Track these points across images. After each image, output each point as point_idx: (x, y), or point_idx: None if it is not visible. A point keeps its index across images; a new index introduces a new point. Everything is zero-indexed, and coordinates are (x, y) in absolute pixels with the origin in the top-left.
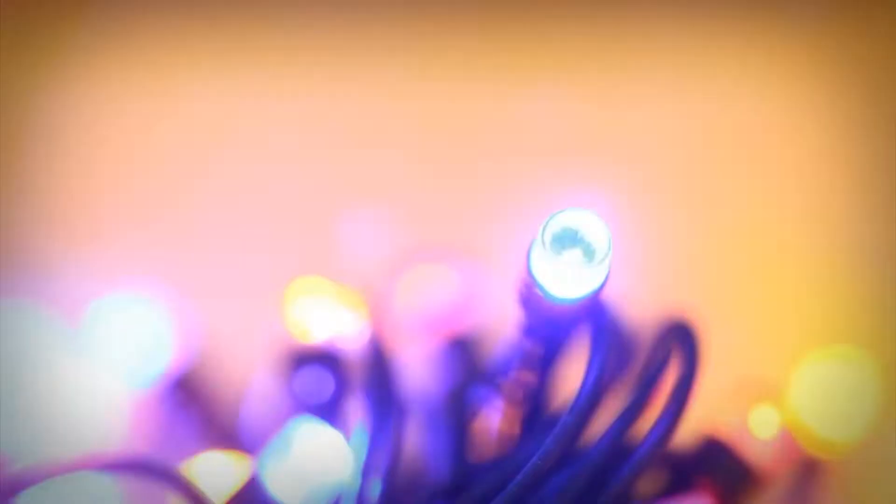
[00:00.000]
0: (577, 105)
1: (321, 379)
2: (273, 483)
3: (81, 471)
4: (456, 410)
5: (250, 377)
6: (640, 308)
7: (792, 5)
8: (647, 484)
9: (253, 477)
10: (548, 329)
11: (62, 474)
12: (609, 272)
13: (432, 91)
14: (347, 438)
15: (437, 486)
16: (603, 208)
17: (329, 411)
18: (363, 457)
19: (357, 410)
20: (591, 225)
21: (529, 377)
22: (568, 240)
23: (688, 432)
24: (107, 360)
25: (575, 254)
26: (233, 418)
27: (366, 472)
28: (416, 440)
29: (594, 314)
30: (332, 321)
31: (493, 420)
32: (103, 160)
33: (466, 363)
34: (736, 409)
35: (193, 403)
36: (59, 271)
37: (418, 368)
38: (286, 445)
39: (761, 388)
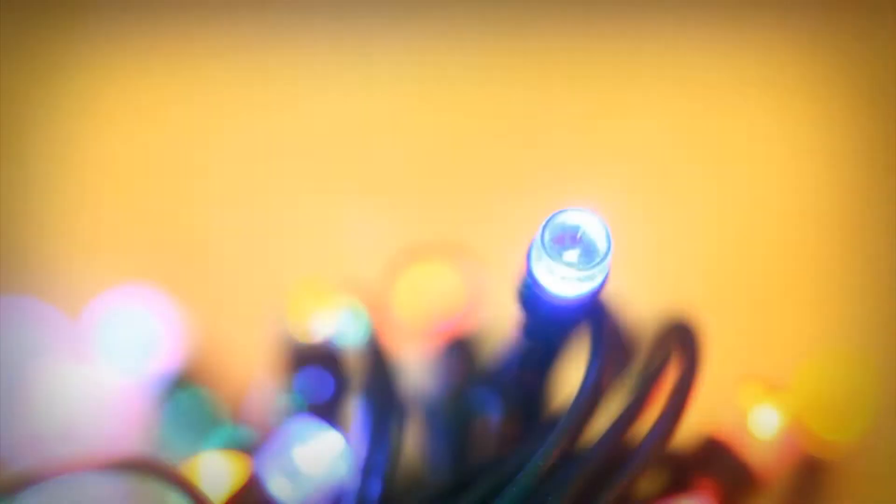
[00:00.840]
0: (577, 105)
1: (321, 379)
2: (273, 483)
3: (81, 471)
4: (456, 410)
5: (250, 377)
6: (640, 308)
7: (791, 9)
8: (647, 484)
9: (253, 477)
10: (548, 329)
11: (62, 474)
12: (609, 272)
13: (433, 91)
14: (347, 438)
15: (437, 486)
16: (603, 208)
17: (329, 411)
18: (363, 457)
19: (357, 410)
20: (591, 225)
21: (529, 377)
22: (568, 240)
23: (688, 432)
24: (107, 359)
25: (575, 254)
26: (233, 418)
27: (366, 472)
28: (416, 440)
29: (594, 314)
30: (332, 321)
31: (493, 420)
32: (103, 160)
33: (466, 363)
34: (736, 409)
35: (193, 403)
36: (59, 271)
37: (418, 368)
38: (286, 445)
39: (761, 388)
